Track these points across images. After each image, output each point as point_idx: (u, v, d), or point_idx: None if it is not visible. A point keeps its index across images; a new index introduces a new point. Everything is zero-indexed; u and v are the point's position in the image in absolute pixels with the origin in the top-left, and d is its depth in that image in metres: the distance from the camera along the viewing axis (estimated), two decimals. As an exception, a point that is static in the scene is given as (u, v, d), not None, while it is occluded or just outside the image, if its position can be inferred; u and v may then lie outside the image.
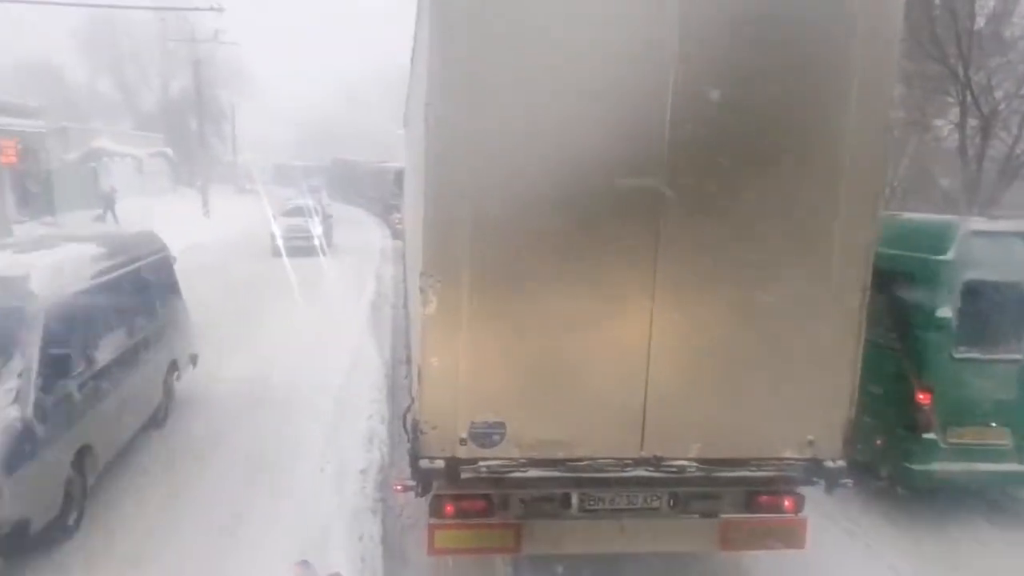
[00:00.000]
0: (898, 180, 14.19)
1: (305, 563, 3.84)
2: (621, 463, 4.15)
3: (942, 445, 5.98)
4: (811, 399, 4.22)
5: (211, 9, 23.70)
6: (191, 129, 45.63)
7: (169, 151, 47.25)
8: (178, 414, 8.25)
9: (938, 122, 14.86)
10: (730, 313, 4.08)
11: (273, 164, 77.28)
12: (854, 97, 3.95)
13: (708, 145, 3.91)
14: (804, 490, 4.49)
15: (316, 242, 22.57)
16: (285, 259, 19.22)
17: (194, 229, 28.03)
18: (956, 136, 14.02)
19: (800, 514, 4.52)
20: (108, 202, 29.70)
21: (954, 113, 14.12)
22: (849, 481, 4.37)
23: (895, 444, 6.13)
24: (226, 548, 5.44)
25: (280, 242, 21.69)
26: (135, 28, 51.22)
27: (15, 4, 17.95)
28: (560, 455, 4.10)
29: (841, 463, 4.30)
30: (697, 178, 3.92)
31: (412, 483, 4.23)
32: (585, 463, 4.12)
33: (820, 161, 4.01)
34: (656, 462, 4.16)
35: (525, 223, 3.87)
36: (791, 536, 4.55)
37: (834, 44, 3.92)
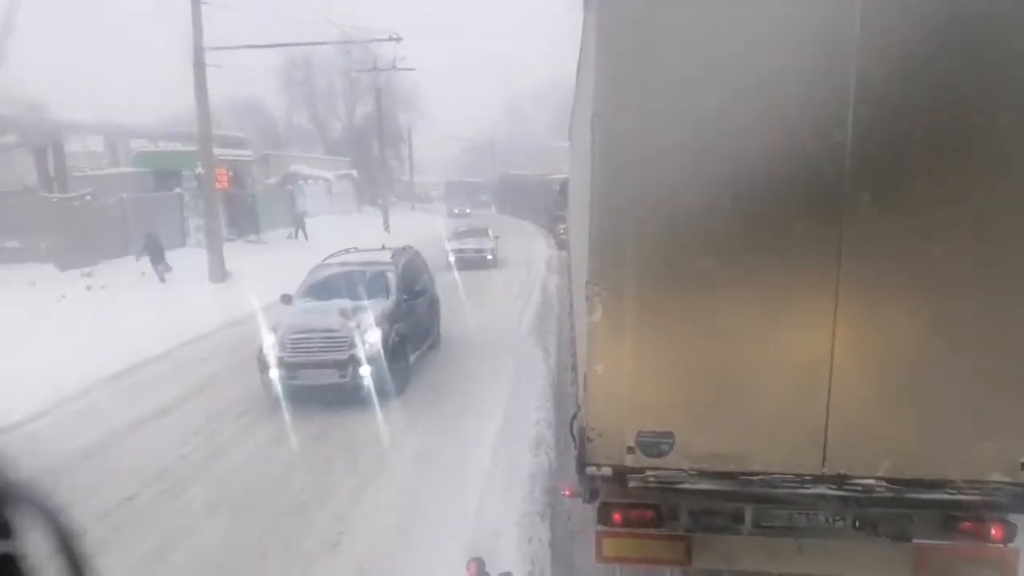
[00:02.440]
0: None
1: (479, 560, 4.00)
2: (800, 480, 3.94)
3: None
4: (1022, 417, 3.76)
5: (390, 39, 25.34)
6: (373, 152, 49.09)
7: (354, 173, 51.20)
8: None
9: None
10: (923, 321, 3.74)
11: (445, 181, 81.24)
12: None
13: (896, 144, 3.61)
14: (1017, 518, 4.02)
15: (488, 257, 24.76)
16: (456, 273, 20.48)
17: (377, 243, 30.11)
18: None
19: (1011, 544, 4.04)
20: (299, 222, 32.72)
21: None
22: (1073, 511, 3.85)
23: None
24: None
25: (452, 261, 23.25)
26: (325, 63, 56.18)
27: (224, 49, 20.26)
28: (732, 469, 3.96)
29: (1061, 490, 3.80)
30: (883, 177, 3.64)
31: (579, 489, 4.28)
32: (760, 478, 3.96)
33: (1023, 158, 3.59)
34: (839, 480, 3.90)
35: (692, 230, 3.79)
36: (999, 568, 4.08)
37: None
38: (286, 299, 11.14)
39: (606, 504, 4.29)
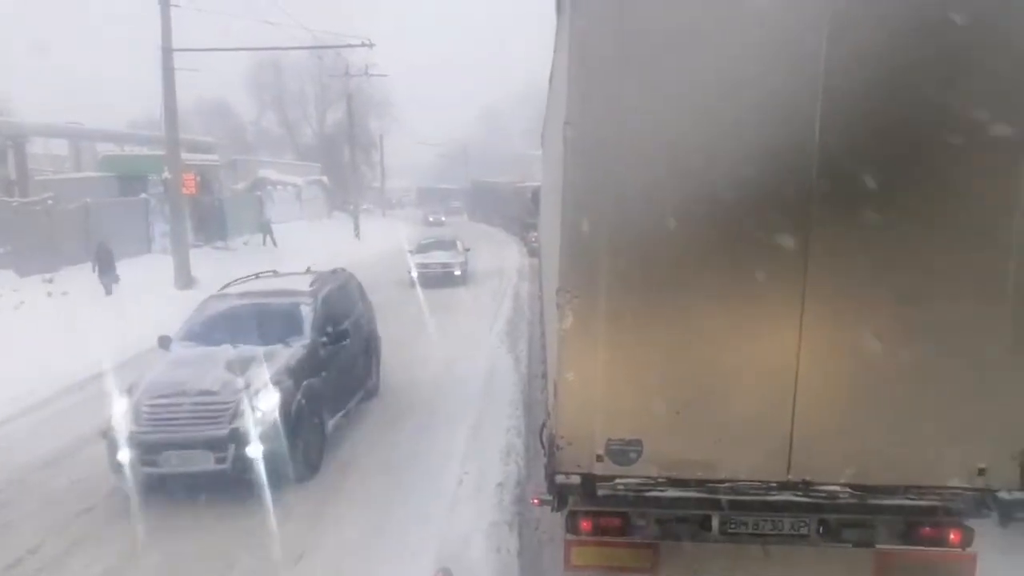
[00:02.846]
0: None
1: (447, 571, 3.97)
2: (766, 486, 3.98)
3: None
4: (982, 424, 3.85)
5: (363, 45, 25.20)
6: (344, 158, 48.79)
7: (324, 179, 50.80)
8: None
9: None
10: (888, 329, 3.81)
11: (417, 188, 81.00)
12: None
13: (862, 151, 3.69)
14: (975, 523, 4.10)
15: (456, 273, 21.85)
16: (420, 291, 18.83)
17: (347, 250, 29.90)
18: None
19: (968, 549, 4.12)
20: (265, 228, 32.41)
21: None
22: (1028, 516, 3.94)
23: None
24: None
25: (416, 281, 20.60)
26: (296, 68, 55.79)
27: (193, 52, 20.02)
28: (700, 476, 3.99)
29: (1018, 495, 3.88)
30: (850, 187, 3.70)
31: (548, 498, 4.27)
32: (727, 485, 3.99)
33: (989, 168, 3.67)
34: (804, 486, 3.95)
35: (663, 238, 3.82)
36: (957, 573, 4.16)
37: (1007, 45, 3.59)
38: (164, 342, 8.26)
39: (575, 513, 4.29)
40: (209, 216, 29.56)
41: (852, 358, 3.86)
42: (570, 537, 4.37)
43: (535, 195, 18.54)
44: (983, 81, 3.62)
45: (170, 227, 21.62)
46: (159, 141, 22.92)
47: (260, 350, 7.57)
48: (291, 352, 7.70)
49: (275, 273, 10.46)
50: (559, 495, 4.16)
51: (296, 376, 7.39)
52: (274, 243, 31.86)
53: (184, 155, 22.33)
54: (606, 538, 4.31)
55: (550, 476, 4.13)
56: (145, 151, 31.69)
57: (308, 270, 10.46)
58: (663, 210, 3.80)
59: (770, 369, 3.89)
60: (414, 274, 20.91)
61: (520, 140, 69.67)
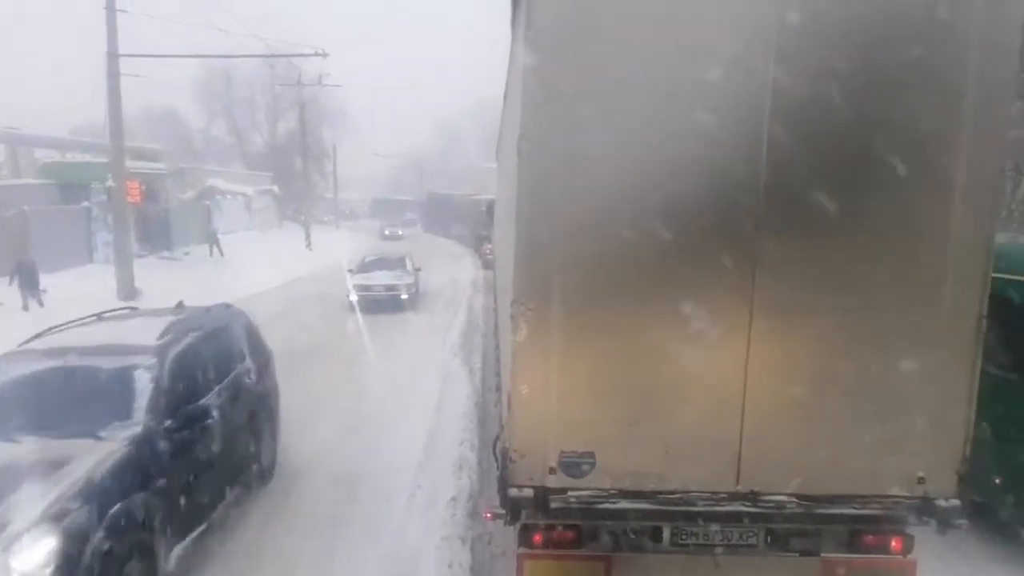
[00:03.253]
0: (1016, 202, 13.30)
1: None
2: (715, 497, 4.03)
3: (1073, 487, 5.50)
4: (922, 434, 3.97)
5: (316, 55, 24.99)
6: (296, 168, 48.15)
7: (275, 189, 50.05)
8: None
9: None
10: (832, 342, 3.92)
11: (371, 199, 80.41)
12: (968, 114, 3.75)
13: (808, 168, 3.79)
14: (915, 530, 4.22)
15: (403, 296, 18.93)
16: (360, 318, 16.89)
17: (298, 261, 29.47)
18: (1083, 155, 13.03)
19: (909, 556, 4.24)
20: (212, 238, 31.76)
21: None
22: (964, 522, 4.07)
23: (1018, 484, 5.67)
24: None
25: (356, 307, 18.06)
26: (247, 76, 54.95)
27: (140, 57, 19.57)
28: (651, 487, 4.02)
29: (955, 502, 4.01)
30: (796, 202, 3.80)
31: (501, 511, 4.25)
32: (677, 496, 4.03)
33: (930, 181, 3.82)
34: (753, 497, 4.02)
35: (617, 251, 3.85)
36: None
37: (946, 58, 3.73)
38: None
39: (527, 526, 4.27)
40: (154, 225, 28.83)
41: (797, 371, 3.95)
42: (522, 551, 4.34)
43: (490, 208, 18.58)
44: (920, 105, 3.76)
45: (113, 236, 20.99)
46: (103, 148, 22.24)
47: (52, 449, 4.83)
48: (104, 452, 4.82)
49: (130, 312, 7.84)
50: (512, 508, 4.13)
51: (102, 497, 4.55)
52: (221, 253, 31.23)
53: (129, 163, 21.74)
54: (559, 551, 4.29)
55: (503, 489, 4.11)
56: (88, 158, 30.73)
57: (179, 305, 7.64)
58: (616, 224, 3.84)
59: (719, 382, 3.94)
60: (353, 298, 18.21)
61: (475, 153, 69.86)
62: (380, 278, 19.41)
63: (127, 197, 20.41)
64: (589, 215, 3.82)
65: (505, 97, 7.05)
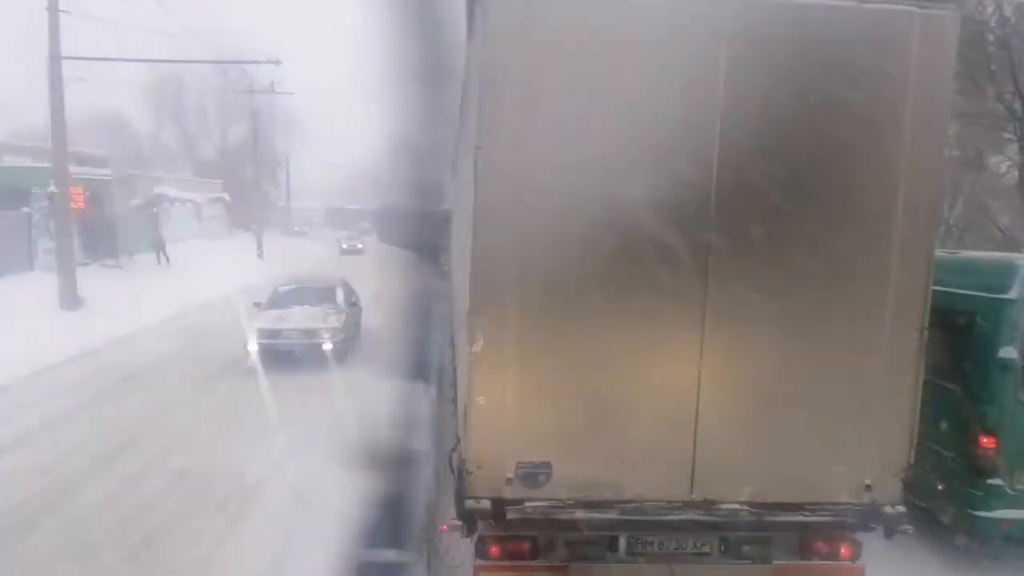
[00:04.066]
0: (954, 219, 13.84)
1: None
2: (670, 506, 4.07)
3: (1009, 491, 5.71)
4: (868, 442, 4.09)
5: (269, 62, 24.70)
6: (247, 176, 47.29)
7: (226, 196, 49.08)
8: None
9: (995, 159, 14.52)
10: (782, 353, 4.01)
11: (325, 208, 79.41)
12: (907, 135, 3.90)
13: (757, 184, 3.88)
14: (863, 536, 4.33)
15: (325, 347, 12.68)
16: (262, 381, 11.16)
17: (249, 270, 28.87)
18: (1014, 173, 13.66)
19: (857, 562, 4.34)
20: (159, 246, 31.06)
21: (1012, 150, 13.78)
22: (909, 528, 4.19)
23: (958, 489, 5.87)
24: None
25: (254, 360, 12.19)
26: (197, 82, 53.89)
27: (85, 60, 19.03)
28: (607, 497, 4.04)
29: (900, 509, 4.13)
30: (746, 217, 3.90)
31: (458, 523, 4.21)
32: (633, 505, 4.05)
33: (872, 200, 3.96)
34: (706, 505, 4.07)
35: (572, 263, 3.89)
36: None
37: (886, 83, 3.88)
38: None
39: (484, 538, 4.24)
40: (99, 233, 27.94)
41: (748, 381, 4.04)
42: (479, 562, 4.32)
43: (445, 219, 18.49)
44: (863, 125, 3.91)
45: (55, 243, 20.27)
46: (44, 152, 21.50)
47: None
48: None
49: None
50: (469, 520, 4.11)
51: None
52: (167, 261, 30.50)
53: (73, 168, 21.09)
54: (515, 562, 4.28)
55: (460, 501, 4.08)
56: (29, 162, 29.66)
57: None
58: (570, 235, 3.87)
59: (673, 392, 4.00)
60: (252, 347, 12.36)
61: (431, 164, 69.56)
62: (296, 319, 13.22)
63: (70, 203, 19.75)
64: (544, 226, 3.85)
65: (461, 108, 7.05)
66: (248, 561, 5.97)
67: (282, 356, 12.58)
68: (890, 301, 3.99)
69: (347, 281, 15.35)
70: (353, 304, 14.80)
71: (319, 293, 14.39)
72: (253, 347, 12.44)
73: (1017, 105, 12.45)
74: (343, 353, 13.03)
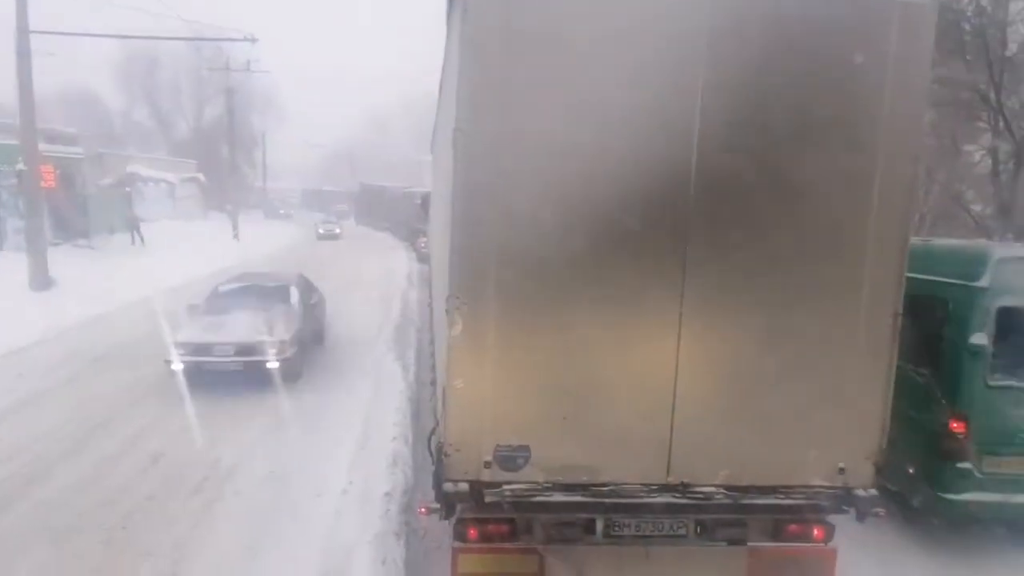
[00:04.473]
0: (928, 206, 14.03)
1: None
2: (647, 489, 4.11)
3: (977, 475, 5.84)
4: (842, 426, 4.15)
5: (245, 39, 24.26)
6: (223, 156, 46.60)
7: (201, 177, 48.36)
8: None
9: (969, 147, 14.72)
10: (758, 338, 4.04)
11: (302, 190, 78.73)
12: (885, 123, 3.94)
13: (735, 170, 3.90)
14: (835, 519, 4.40)
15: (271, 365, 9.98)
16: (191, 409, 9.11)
17: (225, 252, 28.57)
18: (988, 162, 13.87)
19: (830, 544, 4.42)
20: (133, 226, 30.63)
21: (986, 138, 13.98)
22: (881, 510, 4.27)
23: (928, 473, 5.99)
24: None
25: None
26: (170, 59, 52.85)
27: (54, 35, 18.56)
28: (584, 480, 4.07)
29: (872, 492, 4.21)
30: (725, 203, 3.92)
31: (436, 506, 4.22)
32: (609, 488, 4.09)
33: (850, 186, 3.99)
34: (682, 488, 4.11)
35: (552, 247, 3.88)
36: (820, 566, 4.45)
37: (864, 70, 3.90)
38: None
39: (462, 520, 4.26)
40: (70, 212, 27.40)
41: (725, 366, 4.07)
42: (457, 545, 4.33)
43: (425, 201, 18.38)
44: (840, 111, 3.93)
45: (25, 223, 19.85)
46: (12, 129, 20.97)
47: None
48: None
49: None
50: (447, 503, 4.12)
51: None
52: (142, 241, 30.08)
53: (43, 146, 20.57)
54: (493, 544, 4.30)
55: (438, 484, 4.08)
56: (-4, 139, 28.94)
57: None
58: (550, 218, 3.86)
59: (651, 376, 4.02)
60: (176, 366, 9.78)
61: (409, 145, 69.16)
62: (233, 329, 10.35)
63: (39, 182, 19.32)
64: (523, 209, 3.84)
65: (441, 90, 6.99)
66: (224, 546, 5.92)
67: (213, 377, 10.00)
68: (865, 287, 4.03)
69: (305, 277, 13.11)
70: (313, 305, 12.47)
71: (269, 293, 11.69)
72: (177, 365, 9.76)
73: (991, 94, 12.61)
74: (295, 371, 10.53)
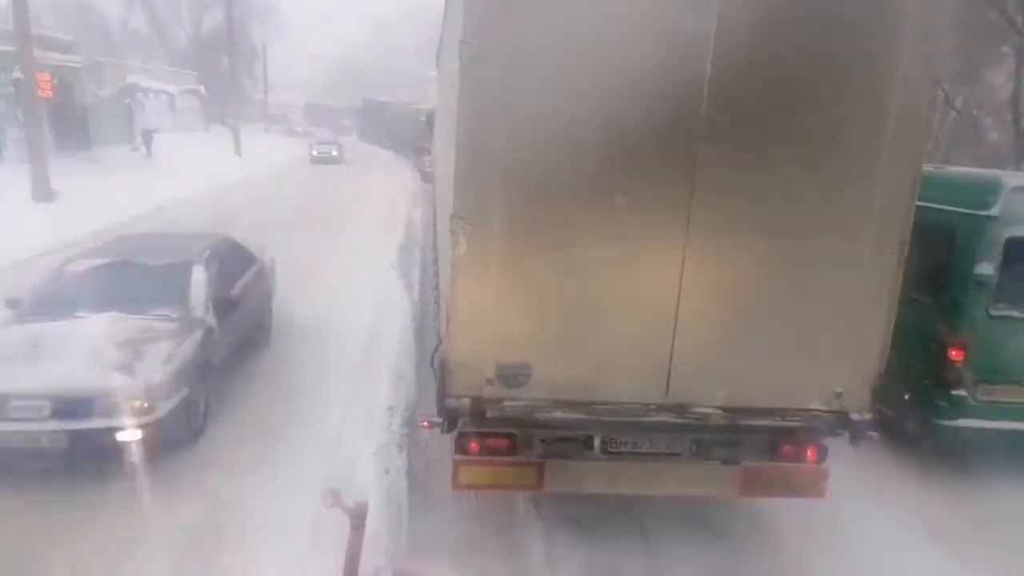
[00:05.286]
0: (943, 133, 13.75)
1: (335, 491, 3.95)
2: (645, 408, 4.19)
3: (971, 402, 5.93)
4: (841, 352, 4.19)
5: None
6: (223, 68, 45.50)
7: (201, 89, 47.37)
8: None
9: (990, 72, 14.32)
10: (762, 263, 4.04)
11: (304, 104, 77.16)
12: (904, 45, 3.81)
13: (746, 94, 3.82)
14: (829, 441, 4.50)
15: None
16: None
17: (229, 167, 28.30)
18: (1008, 88, 13.50)
19: (822, 464, 4.54)
20: (147, 139, 30.30)
21: (1009, 64, 13.57)
22: (874, 434, 4.36)
23: (923, 399, 6.09)
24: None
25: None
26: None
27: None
28: (584, 398, 4.14)
29: (867, 416, 4.29)
30: (734, 127, 3.84)
31: (438, 420, 4.32)
32: (608, 407, 4.17)
33: (862, 111, 3.90)
34: (680, 409, 4.19)
35: (557, 167, 3.83)
36: (812, 485, 4.59)
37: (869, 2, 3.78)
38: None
39: (464, 434, 4.37)
40: (71, 124, 27.00)
41: (728, 289, 4.08)
42: (458, 457, 4.46)
43: (430, 118, 18.03)
44: (857, 36, 3.81)
45: (25, 133, 19.57)
46: (6, 35, 20.39)
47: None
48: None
49: None
50: (449, 418, 4.21)
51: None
52: (149, 152, 29.92)
53: (39, 53, 20.07)
54: (494, 458, 4.43)
55: (441, 399, 4.17)
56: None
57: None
58: (556, 139, 3.80)
59: (653, 299, 4.04)
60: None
61: (414, 58, 67.42)
62: (54, 365, 5.38)
63: (37, 90, 18.93)
64: (530, 129, 3.77)
65: (447, 1, 6.74)
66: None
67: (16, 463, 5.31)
68: (874, 213, 4.00)
69: (233, 241, 8.18)
70: (243, 290, 7.55)
71: (153, 278, 6.72)
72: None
73: (1019, 19, 12.16)
74: (177, 437, 5.71)
